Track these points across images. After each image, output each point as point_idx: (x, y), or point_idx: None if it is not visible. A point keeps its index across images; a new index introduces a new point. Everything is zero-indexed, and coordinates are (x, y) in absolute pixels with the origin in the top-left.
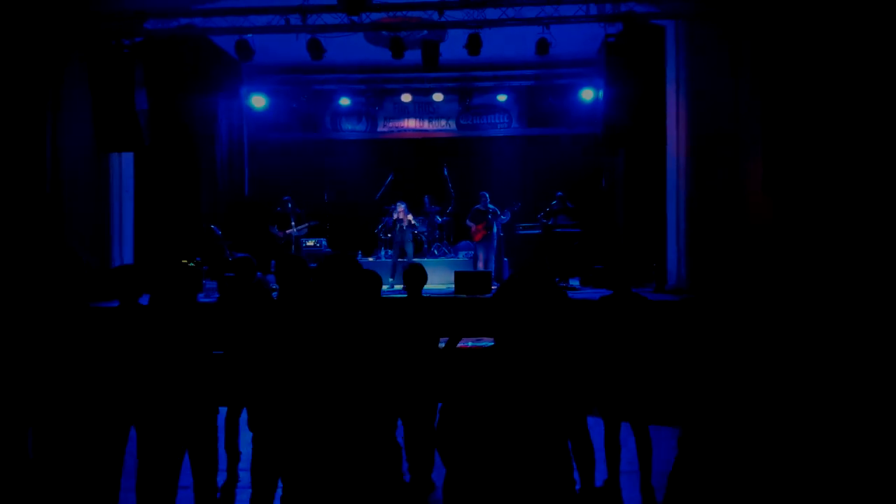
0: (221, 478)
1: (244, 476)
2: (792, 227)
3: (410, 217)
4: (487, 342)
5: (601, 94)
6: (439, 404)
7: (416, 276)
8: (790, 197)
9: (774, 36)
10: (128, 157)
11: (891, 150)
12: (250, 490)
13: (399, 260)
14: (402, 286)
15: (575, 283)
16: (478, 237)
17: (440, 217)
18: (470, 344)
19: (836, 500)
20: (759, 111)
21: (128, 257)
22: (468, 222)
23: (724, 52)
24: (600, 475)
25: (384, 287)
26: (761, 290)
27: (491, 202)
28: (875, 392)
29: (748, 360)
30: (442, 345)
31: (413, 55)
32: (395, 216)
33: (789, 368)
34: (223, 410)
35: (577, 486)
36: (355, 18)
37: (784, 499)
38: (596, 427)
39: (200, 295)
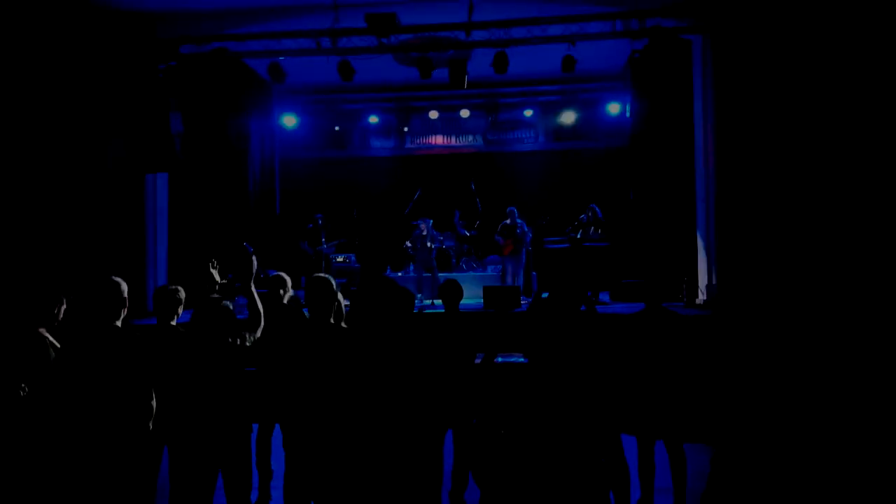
0: (254, 496)
1: (275, 494)
2: (822, 242)
3: (424, 233)
4: (517, 357)
5: (628, 108)
6: (473, 421)
7: (451, 292)
8: (820, 211)
9: (799, 49)
10: (162, 178)
11: None
12: None
13: (424, 275)
14: (430, 300)
15: (605, 297)
16: (506, 251)
17: (468, 231)
18: (500, 359)
19: None
20: (786, 123)
21: (162, 276)
22: (497, 237)
23: (751, 65)
24: (634, 493)
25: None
26: (791, 305)
27: (519, 216)
28: None
29: (779, 376)
30: (478, 360)
31: (440, 73)
32: (419, 233)
33: (820, 384)
34: (255, 428)
35: None
36: (384, 40)
37: None
38: (630, 445)
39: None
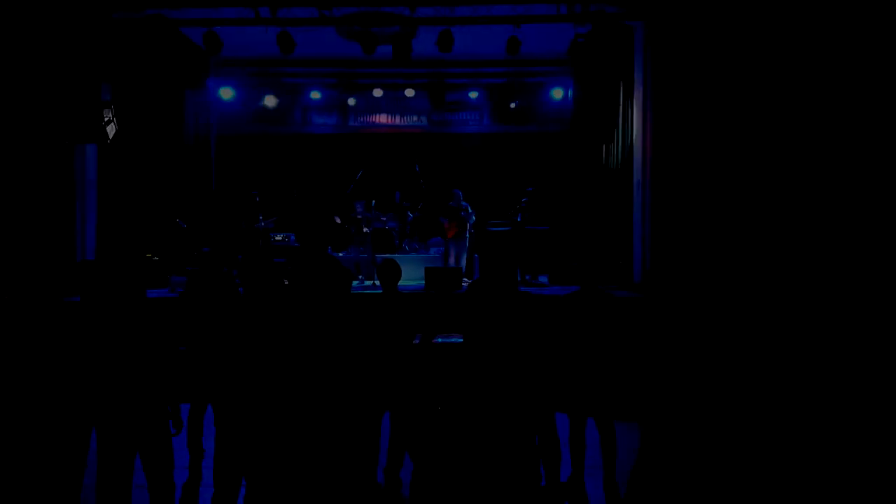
0: (184, 476)
1: (207, 474)
2: (749, 229)
3: (359, 217)
4: (457, 338)
5: (570, 93)
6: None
7: (389, 272)
8: (748, 199)
9: (734, 37)
10: (91, 150)
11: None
12: (213, 489)
13: (361, 256)
14: (369, 281)
15: (544, 279)
16: (450, 234)
17: (411, 213)
18: (440, 340)
19: (798, 496)
20: (719, 112)
21: (90, 252)
22: (441, 219)
23: (687, 53)
24: (565, 470)
25: (354, 282)
26: (716, 288)
27: (464, 199)
28: (832, 384)
29: (702, 354)
30: (417, 341)
31: (385, 50)
32: (354, 216)
33: (744, 364)
34: (187, 407)
35: (543, 481)
36: (326, 12)
37: (745, 494)
38: (561, 423)
39: (165, 290)
